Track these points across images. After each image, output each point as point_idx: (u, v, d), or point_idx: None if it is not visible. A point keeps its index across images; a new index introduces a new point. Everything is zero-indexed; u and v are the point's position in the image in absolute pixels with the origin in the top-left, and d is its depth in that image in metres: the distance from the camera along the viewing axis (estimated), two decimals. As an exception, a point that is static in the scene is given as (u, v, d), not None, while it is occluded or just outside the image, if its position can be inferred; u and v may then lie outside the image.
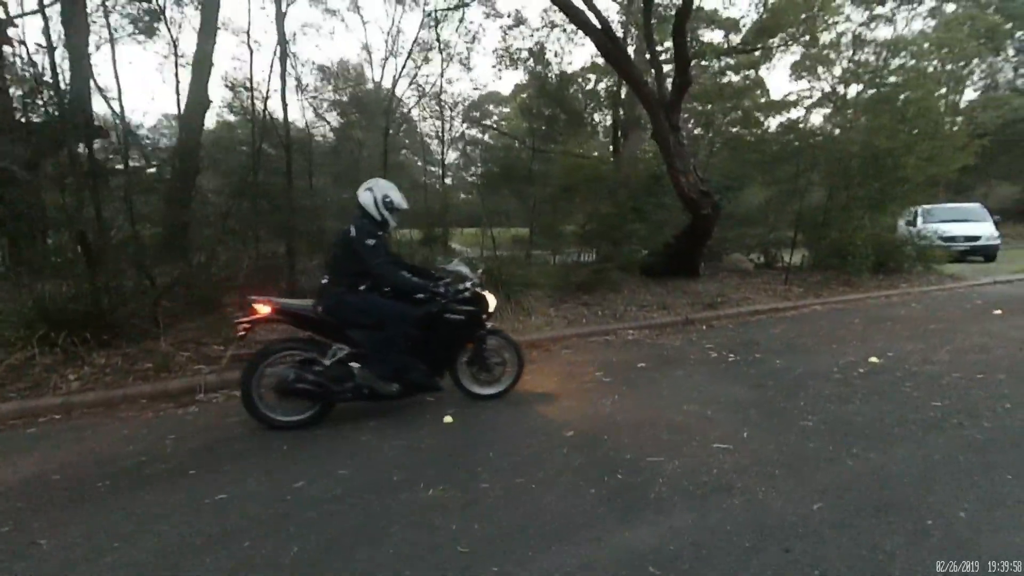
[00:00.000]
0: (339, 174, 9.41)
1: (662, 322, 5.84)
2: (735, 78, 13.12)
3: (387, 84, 14.42)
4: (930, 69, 25.49)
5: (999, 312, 6.10)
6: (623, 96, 11.28)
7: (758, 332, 5.50)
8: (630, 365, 4.32)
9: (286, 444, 2.89)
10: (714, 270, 8.80)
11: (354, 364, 3.09)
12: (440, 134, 11.07)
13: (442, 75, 14.46)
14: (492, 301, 3.48)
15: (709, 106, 11.21)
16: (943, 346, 4.65)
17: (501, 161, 10.18)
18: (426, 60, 12.38)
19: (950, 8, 24.10)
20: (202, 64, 8.19)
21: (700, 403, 3.38)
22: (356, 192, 3.27)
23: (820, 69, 26.68)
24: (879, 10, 25.21)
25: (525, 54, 11.67)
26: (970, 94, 26.35)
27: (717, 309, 6.39)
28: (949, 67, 24.76)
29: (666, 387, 3.73)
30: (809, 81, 25.88)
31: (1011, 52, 24.23)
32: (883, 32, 24.97)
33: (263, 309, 3.05)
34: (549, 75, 11.08)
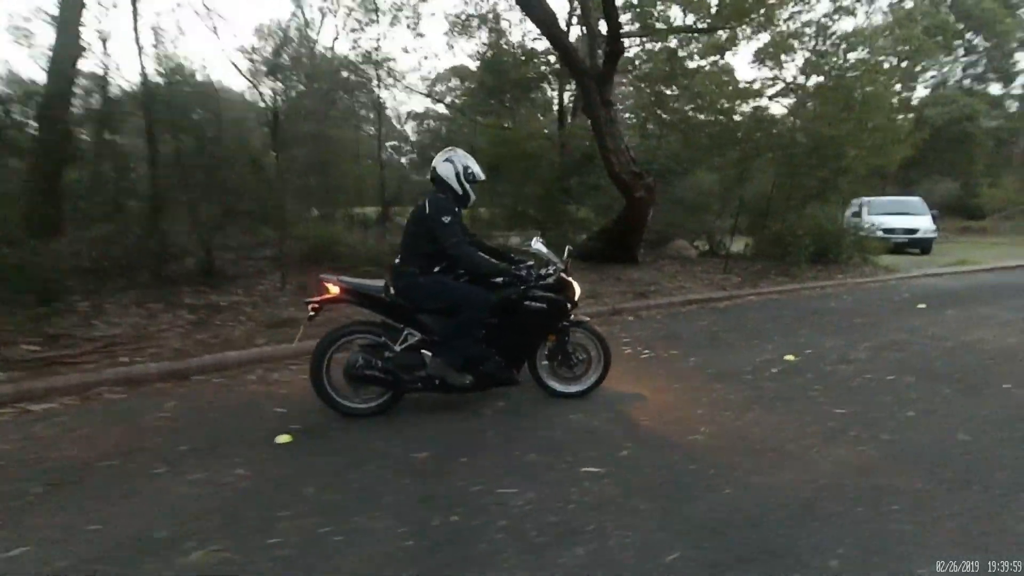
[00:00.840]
0: (264, 142, 8.57)
1: (587, 313, 5.47)
2: (704, 63, 12.83)
3: (335, 48, 13.42)
4: (887, 64, 26.10)
5: (923, 306, 6.05)
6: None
7: (684, 325, 5.22)
8: (533, 363, 3.93)
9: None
10: (656, 257, 8.54)
11: (426, 352, 2.87)
12: (378, 104, 10.30)
13: (379, 39, 13.42)
14: (577, 289, 3.14)
15: (672, 89, 10.84)
16: (863, 342, 4.47)
17: (442, 136, 9.54)
18: (371, 21, 11.48)
19: (908, 5, 24.41)
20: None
21: (588, 412, 3.01)
22: (433, 164, 2.97)
23: (783, 57, 26.84)
24: (843, 2, 25.45)
25: (477, 21, 10.96)
26: (922, 91, 27.08)
27: (648, 298, 6.10)
28: (904, 64, 25.34)
29: (560, 391, 3.35)
30: (772, 69, 25.99)
31: (961, 52, 24.91)
32: (846, 24, 25.10)
33: (332, 289, 2.84)
34: (504, 44, 10.44)
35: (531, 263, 3.09)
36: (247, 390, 3.37)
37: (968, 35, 22.80)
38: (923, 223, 13.21)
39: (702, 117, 10.19)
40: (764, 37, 23.75)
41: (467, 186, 2.94)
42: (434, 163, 2.98)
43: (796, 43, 26.20)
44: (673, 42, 12.43)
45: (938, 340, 4.54)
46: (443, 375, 2.84)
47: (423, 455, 2.49)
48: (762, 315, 5.62)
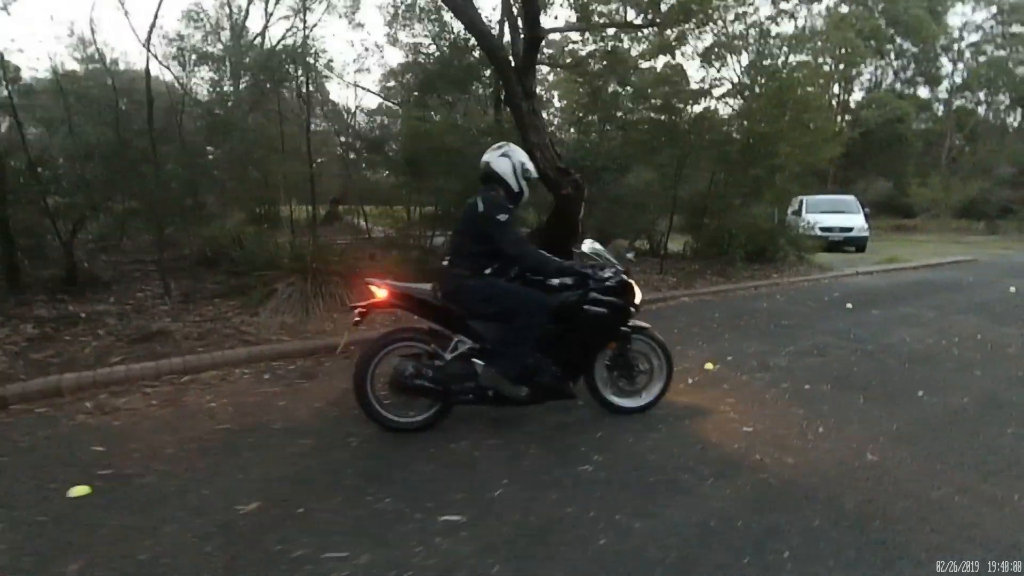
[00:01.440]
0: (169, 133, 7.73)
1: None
2: (657, 65, 12.77)
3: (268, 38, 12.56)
4: (826, 67, 27.17)
5: (850, 306, 6.03)
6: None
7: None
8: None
9: None
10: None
11: (477, 361, 2.65)
12: (308, 97, 9.59)
13: (308, 28, 12.62)
14: (639, 292, 2.91)
15: (617, 87, 10.64)
16: (786, 347, 4.31)
17: (372, 130, 8.99)
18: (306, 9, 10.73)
19: (843, 9, 25.42)
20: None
21: (472, 441, 2.63)
22: (484, 159, 2.78)
23: (730, 58, 27.52)
24: (783, 5, 26.27)
25: (414, 11, 10.41)
26: (859, 95, 28.33)
27: (578, 302, 5.81)
28: (842, 67, 26.44)
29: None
30: (718, 70, 26.61)
31: (892, 56, 26.20)
32: (787, 27, 25.81)
33: (380, 293, 2.65)
34: (448, 36, 9.94)
35: (593, 263, 2.86)
36: (72, 423, 2.80)
37: (898, 40, 23.94)
38: (857, 221, 13.67)
39: (650, 116, 10.08)
40: (709, 38, 24.14)
41: (523, 183, 2.77)
42: (487, 158, 2.78)
43: (740, 44, 27.01)
44: (623, 39, 12.40)
45: (860, 343, 4.45)
46: (497, 386, 2.60)
47: (251, 507, 2.04)
48: (692, 318, 5.43)
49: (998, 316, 5.60)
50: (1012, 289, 7.52)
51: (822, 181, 25.28)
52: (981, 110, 28.04)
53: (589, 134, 9.64)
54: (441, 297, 2.65)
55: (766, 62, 25.63)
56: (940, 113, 27.96)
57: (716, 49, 24.97)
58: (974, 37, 26.12)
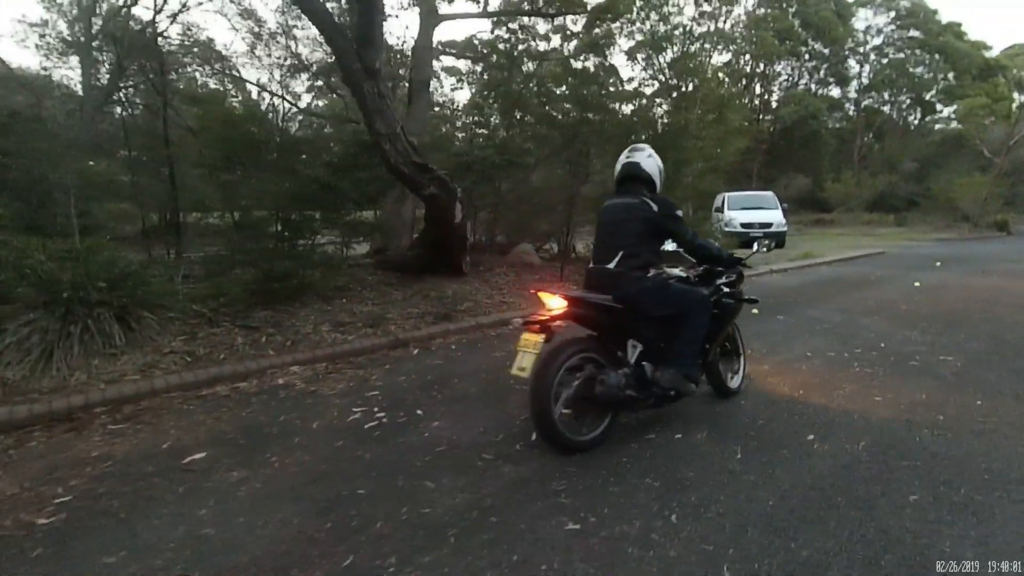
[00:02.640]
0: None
1: (360, 347, 4.13)
2: (589, 64, 12.27)
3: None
4: (746, 67, 27.98)
5: (756, 311, 5.48)
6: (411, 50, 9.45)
7: (475, 358, 4.05)
8: (177, 454, 2.48)
9: None
10: (494, 265, 7.44)
11: (646, 364, 2.60)
12: (164, 87, 8.15)
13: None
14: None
15: (522, 83, 9.89)
16: None
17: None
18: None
19: (761, 11, 26.20)
20: None
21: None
22: (630, 160, 2.73)
23: (659, 59, 27.80)
24: (705, 7, 26.81)
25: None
26: (778, 94, 29.38)
27: (452, 321, 4.89)
28: (761, 67, 27.28)
29: (154, 527, 1.94)
30: (645, 69, 26.79)
31: (807, 57, 27.29)
32: (710, 28, 26.24)
33: (557, 303, 2.48)
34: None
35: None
36: None
37: (811, 43, 24.90)
38: (776, 217, 13.66)
39: (555, 113, 9.39)
40: (638, 36, 24.15)
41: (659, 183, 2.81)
42: (636, 159, 2.73)
43: (666, 44, 27.28)
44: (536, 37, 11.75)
45: (756, 363, 3.79)
46: (679, 387, 2.58)
47: None
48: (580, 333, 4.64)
49: (903, 317, 5.21)
50: (916, 284, 7.36)
51: (747, 178, 26.03)
52: (886, 109, 29.87)
53: (495, 130, 8.81)
54: (617, 301, 2.53)
55: (691, 64, 26.05)
56: (851, 112, 29.52)
57: (642, 48, 25.19)
58: (877, 40, 27.74)
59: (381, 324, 4.55)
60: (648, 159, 2.73)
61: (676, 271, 2.85)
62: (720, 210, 14.62)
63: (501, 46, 10.86)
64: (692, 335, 2.59)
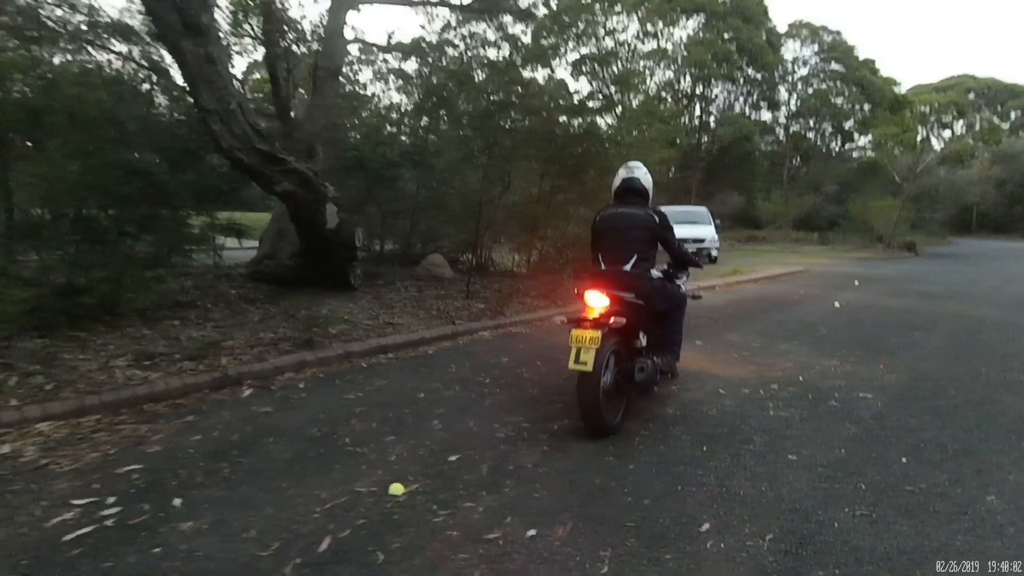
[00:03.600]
0: None
1: (163, 389, 3.11)
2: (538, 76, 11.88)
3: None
4: (688, 88, 28.84)
5: (718, 326, 4.99)
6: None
7: (322, 401, 3.18)
8: None
9: None
10: (398, 278, 6.59)
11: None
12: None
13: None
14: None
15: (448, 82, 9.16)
16: (552, 423, 2.89)
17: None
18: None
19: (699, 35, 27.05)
20: None
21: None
22: (630, 175, 3.09)
23: (603, 73, 28.13)
24: (649, 27, 27.42)
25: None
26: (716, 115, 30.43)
27: (314, 349, 3.99)
28: (700, 88, 28.18)
29: None
30: (590, 82, 26.99)
31: (742, 82, 28.44)
32: (652, 45, 26.85)
33: (604, 302, 2.70)
34: None
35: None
36: None
37: (747, 69, 25.93)
38: (709, 232, 13.63)
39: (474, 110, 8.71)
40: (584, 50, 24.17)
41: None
42: (634, 174, 3.07)
43: (612, 60, 27.55)
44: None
45: (661, 404, 3.19)
46: (671, 369, 3.21)
47: None
48: (463, 370, 3.89)
49: (823, 343, 4.85)
50: (837, 304, 7.21)
51: (687, 194, 26.62)
52: (811, 136, 31.71)
53: (406, 127, 7.99)
54: (638, 298, 2.86)
55: (634, 79, 26.39)
56: (781, 136, 31.11)
57: (586, 62, 25.33)
58: (804, 71, 29.43)
59: (210, 355, 3.57)
60: (644, 176, 3.09)
61: (656, 272, 3.11)
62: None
63: (449, 50, 10.22)
64: (679, 326, 3.18)
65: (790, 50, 28.36)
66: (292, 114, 8.21)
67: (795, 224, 23.94)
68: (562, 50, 26.41)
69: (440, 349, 4.48)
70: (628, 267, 2.88)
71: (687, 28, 25.99)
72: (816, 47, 28.01)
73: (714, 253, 13.41)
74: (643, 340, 2.99)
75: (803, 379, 3.73)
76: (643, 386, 2.87)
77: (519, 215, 7.31)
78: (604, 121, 8.06)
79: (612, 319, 2.66)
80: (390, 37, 10.08)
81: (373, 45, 9.52)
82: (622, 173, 3.12)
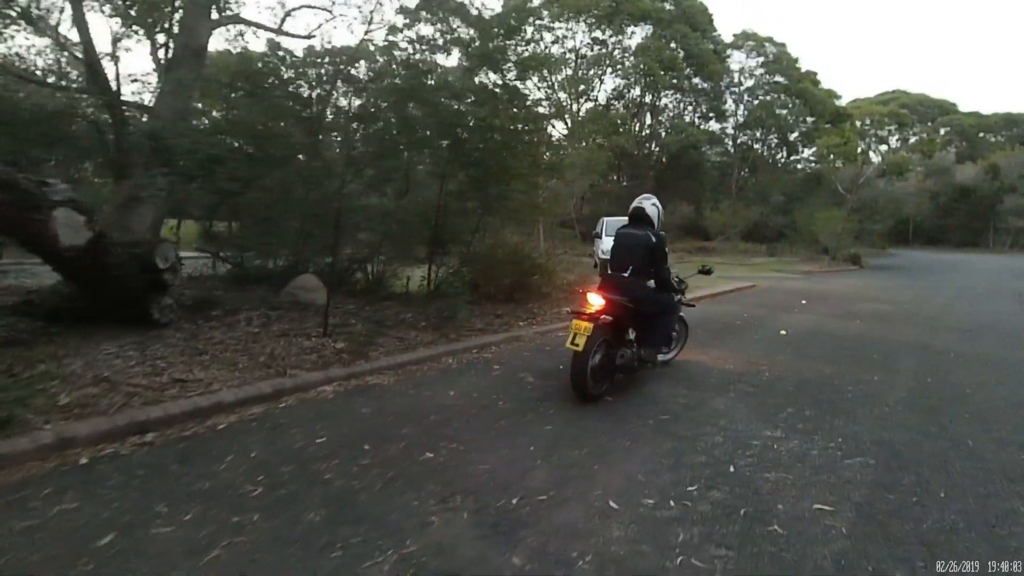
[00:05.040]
0: None
1: None
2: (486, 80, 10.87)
3: None
4: (637, 97, 28.49)
5: (620, 374, 3.80)
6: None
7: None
8: None
9: None
10: (252, 305, 5.13)
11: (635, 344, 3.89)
12: None
13: None
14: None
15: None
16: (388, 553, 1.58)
17: None
18: None
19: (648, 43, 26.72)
20: None
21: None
22: (638, 205, 3.89)
23: (553, 80, 27.38)
24: (597, 34, 26.91)
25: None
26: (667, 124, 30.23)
27: (9, 433, 2.53)
28: (648, 97, 27.87)
29: None
30: (540, 88, 26.17)
31: (691, 93, 28.34)
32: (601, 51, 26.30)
33: (598, 300, 3.54)
34: None
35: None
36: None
37: (694, 80, 25.75)
38: (653, 245, 12.80)
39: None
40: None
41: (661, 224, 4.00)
42: (642, 205, 3.89)
43: (563, 67, 26.75)
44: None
45: (507, 546, 1.94)
46: (653, 359, 3.84)
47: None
48: (238, 465, 2.54)
49: (765, 394, 3.77)
50: (783, 332, 6.28)
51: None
52: (758, 147, 32.07)
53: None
54: (630, 302, 3.63)
55: (581, 87, 25.58)
56: (730, 147, 31.29)
57: (533, 64, 24.47)
58: (750, 83, 29.69)
59: None
60: (651, 205, 3.91)
61: (651, 283, 3.87)
62: (599, 236, 13.54)
63: (397, 53, 9.05)
64: (666, 327, 3.96)
65: (736, 61, 28.58)
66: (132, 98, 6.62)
67: (743, 235, 23.75)
68: (510, 54, 25.54)
69: (241, 420, 3.08)
70: (627, 274, 3.69)
71: (636, 36, 25.67)
72: (761, 59, 28.30)
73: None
74: (632, 335, 3.82)
75: (734, 469, 2.59)
76: (623, 369, 3.65)
77: (412, 225, 6.00)
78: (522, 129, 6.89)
79: (602, 316, 3.46)
80: (284, 19, 8.62)
81: (256, 25, 8.03)
82: (635, 203, 3.93)
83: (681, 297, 4.32)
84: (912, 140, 40.75)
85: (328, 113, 6.46)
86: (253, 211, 5.14)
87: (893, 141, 38.88)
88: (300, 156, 5.18)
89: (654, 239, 3.68)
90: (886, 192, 27.28)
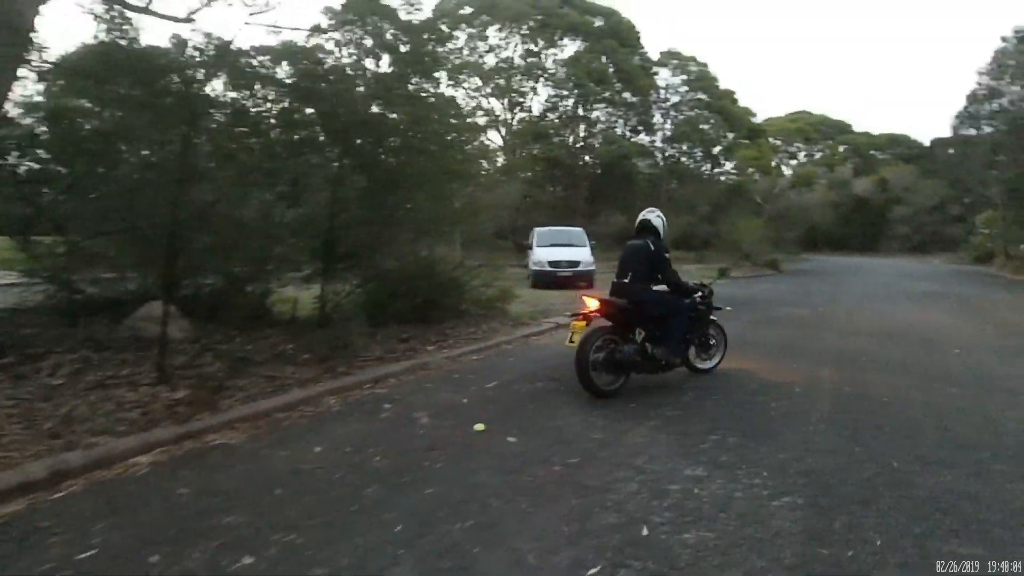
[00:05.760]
0: None
1: None
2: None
3: None
4: (570, 108, 28.94)
5: (480, 428, 3.23)
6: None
7: None
8: None
9: None
10: (82, 343, 4.15)
11: (647, 345, 4.02)
12: None
13: None
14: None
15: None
16: None
17: None
18: None
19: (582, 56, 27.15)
20: None
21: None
22: (644, 217, 4.31)
23: (486, 89, 27.19)
24: (532, 46, 27.09)
25: None
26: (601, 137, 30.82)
27: None
28: (580, 110, 28.39)
29: None
30: (474, 98, 25.89)
31: (622, 106, 29.10)
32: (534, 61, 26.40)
33: (594, 303, 3.91)
34: None
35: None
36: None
37: (625, 94, 26.47)
38: (584, 255, 12.59)
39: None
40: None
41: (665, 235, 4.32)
42: (647, 217, 4.30)
43: (498, 77, 26.51)
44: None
45: None
46: (668, 359, 4.06)
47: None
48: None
49: (687, 422, 3.37)
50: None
51: (573, 213, 26.33)
52: (685, 160, 33.57)
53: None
54: (631, 304, 3.97)
55: (514, 95, 25.42)
56: (659, 160, 32.50)
57: (464, 71, 24.13)
58: (675, 99, 31.04)
59: None
60: (656, 217, 4.29)
61: (662, 287, 4.22)
62: (530, 247, 13.22)
63: (322, 56, 8.11)
64: (677, 328, 4.07)
65: (662, 78, 29.75)
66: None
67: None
68: (444, 61, 25.11)
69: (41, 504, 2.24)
70: (627, 280, 4.07)
71: (568, 49, 26.05)
72: (685, 76, 29.65)
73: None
74: (639, 335, 4.02)
75: (647, 534, 2.12)
76: (630, 367, 3.89)
77: (301, 239, 5.24)
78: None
79: (596, 316, 3.91)
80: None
81: (115, 1, 6.90)
82: (642, 215, 4.37)
83: (706, 301, 4.51)
84: (817, 156, 44.54)
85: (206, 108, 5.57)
86: (84, 221, 4.15)
87: (801, 156, 42.24)
88: (152, 155, 4.28)
89: (652, 247, 4.05)
90: (797, 203, 29.32)
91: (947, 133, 27.69)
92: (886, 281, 16.02)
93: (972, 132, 23.88)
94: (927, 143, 42.39)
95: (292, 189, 5.47)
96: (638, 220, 4.35)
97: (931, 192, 36.67)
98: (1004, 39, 20.75)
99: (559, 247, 12.70)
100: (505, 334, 6.16)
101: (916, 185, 38.02)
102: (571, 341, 3.81)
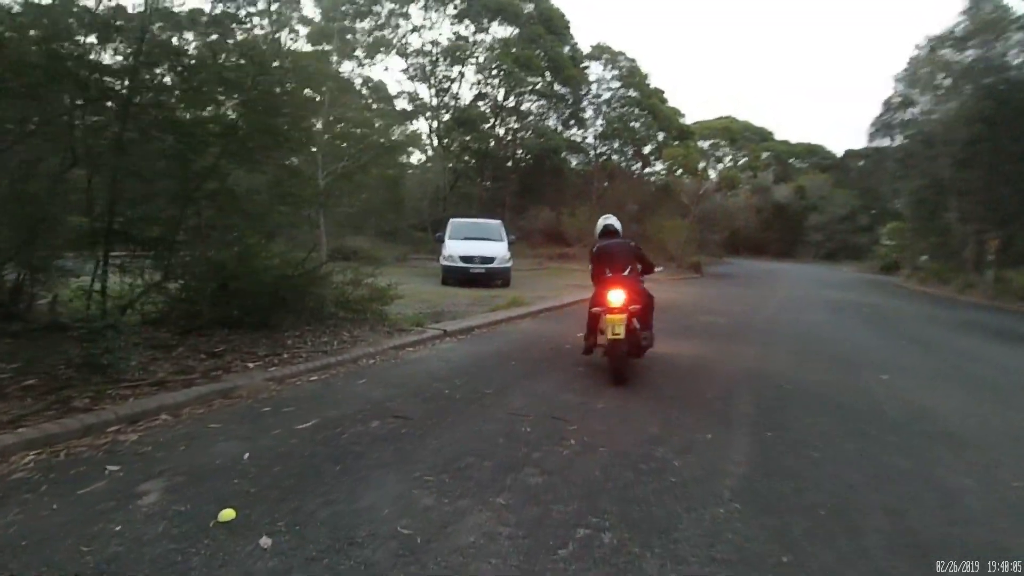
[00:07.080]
0: None
1: None
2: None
3: None
4: (500, 96, 27.76)
5: (228, 516, 1.94)
6: None
7: None
8: None
9: None
10: None
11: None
12: None
13: None
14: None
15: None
16: None
17: None
18: None
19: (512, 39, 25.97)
20: None
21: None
22: (608, 222, 4.92)
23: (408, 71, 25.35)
24: (461, 30, 25.54)
25: None
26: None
27: None
28: (512, 100, 27.28)
29: None
30: (399, 82, 23.99)
31: (553, 99, 28.27)
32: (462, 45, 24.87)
33: (621, 297, 4.19)
34: None
35: None
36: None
37: (553, 80, 25.66)
38: (500, 251, 11.44)
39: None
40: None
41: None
42: (609, 222, 4.93)
43: (424, 59, 24.59)
44: None
45: None
46: (650, 343, 4.53)
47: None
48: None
49: (552, 498, 2.23)
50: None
51: (501, 207, 25.21)
52: (616, 158, 33.53)
53: None
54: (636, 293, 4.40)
55: (436, 78, 23.58)
56: (591, 156, 32.20)
57: (380, 48, 22.23)
58: (607, 95, 30.78)
59: None
60: (615, 222, 4.93)
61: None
62: (442, 239, 11.89)
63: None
64: (651, 315, 4.60)
65: (594, 72, 29.33)
66: None
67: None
68: (356, 35, 22.92)
69: None
70: (627, 273, 4.48)
71: (498, 34, 24.80)
72: (616, 71, 29.40)
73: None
74: (637, 323, 4.37)
75: None
76: (643, 351, 4.45)
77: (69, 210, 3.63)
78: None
79: (631, 306, 4.17)
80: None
81: None
82: (602, 221, 4.97)
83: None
84: (741, 161, 46.63)
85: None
86: None
87: (727, 160, 43.89)
88: None
89: (632, 242, 4.83)
90: (722, 205, 30.09)
91: (864, 145, 28.86)
92: (805, 288, 16.28)
93: (887, 142, 24.15)
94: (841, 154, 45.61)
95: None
96: (602, 224, 4.91)
97: (843, 201, 39.34)
98: (918, 47, 21.06)
99: (474, 240, 11.47)
100: (371, 344, 4.86)
101: (830, 194, 40.67)
102: (615, 335, 4.05)
